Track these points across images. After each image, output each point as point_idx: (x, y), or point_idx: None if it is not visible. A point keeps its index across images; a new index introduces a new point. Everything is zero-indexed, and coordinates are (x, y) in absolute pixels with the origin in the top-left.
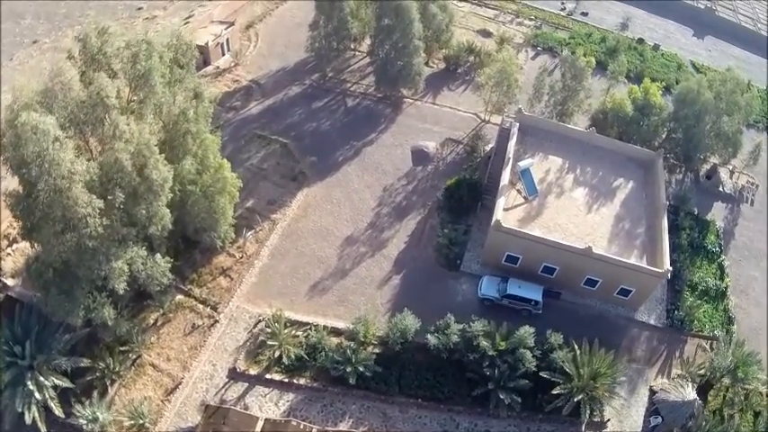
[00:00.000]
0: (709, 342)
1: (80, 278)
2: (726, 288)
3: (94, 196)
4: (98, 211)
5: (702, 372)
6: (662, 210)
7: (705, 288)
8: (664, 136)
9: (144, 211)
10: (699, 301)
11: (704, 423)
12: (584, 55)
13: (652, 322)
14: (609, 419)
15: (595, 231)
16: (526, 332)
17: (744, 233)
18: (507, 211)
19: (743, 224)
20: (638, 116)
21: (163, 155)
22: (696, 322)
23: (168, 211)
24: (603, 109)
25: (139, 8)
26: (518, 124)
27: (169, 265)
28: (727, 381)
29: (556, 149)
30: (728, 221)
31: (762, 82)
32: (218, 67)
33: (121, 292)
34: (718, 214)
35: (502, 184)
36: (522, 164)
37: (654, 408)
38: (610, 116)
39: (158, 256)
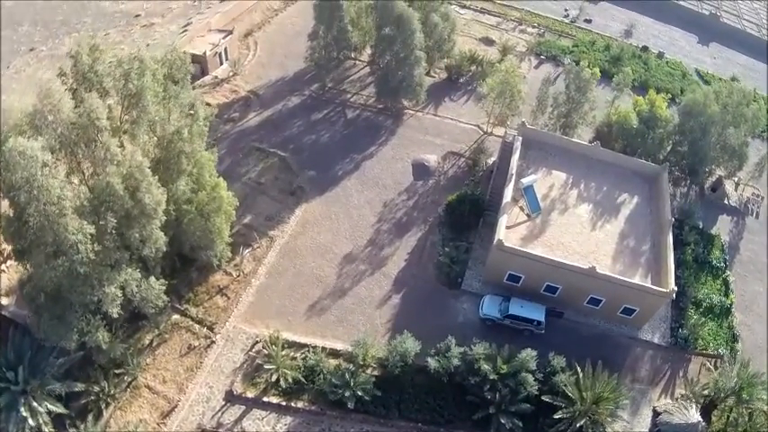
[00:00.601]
0: (714, 360)
1: (73, 303)
2: (731, 305)
3: (85, 222)
4: (89, 236)
5: (706, 392)
6: (667, 226)
7: (710, 305)
8: (669, 148)
9: (137, 234)
10: (703, 319)
11: None
12: (589, 65)
13: (656, 341)
14: None
15: (599, 249)
16: (528, 355)
17: (749, 247)
18: (510, 229)
19: (748, 238)
20: (643, 129)
21: (157, 175)
22: (700, 340)
23: (162, 234)
24: (608, 121)
25: (137, 15)
26: (521, 138)
27: (164, 288)
28: (731, 401)
29: (559, 164)
30: (733, 235)
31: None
32: (216, 77)
33: (115, 315)
34: (723, 228)
35: (504, 201)
36: (525, 180)
37: (657, 430)
38: (615, 129)
39: (153, 279)
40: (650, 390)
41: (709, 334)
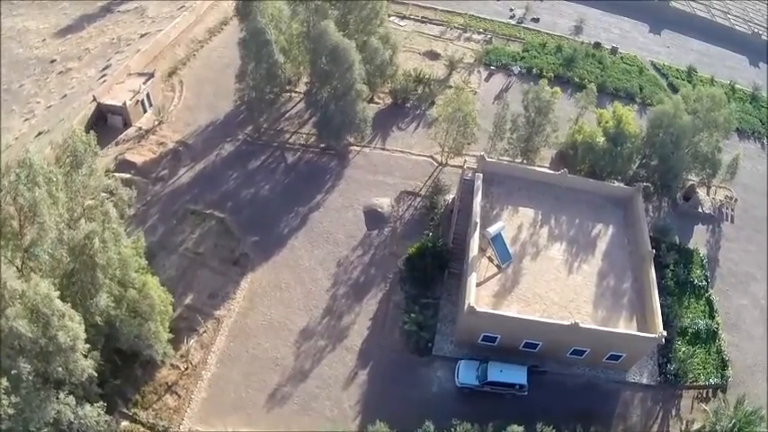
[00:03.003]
0: (706, 391)
1: None
2: (717, 327)
3: None
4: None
5: None
6: (648, 259)
7: (696, 331)
8: (637, 162)
9: (60, 368)
10: (691, 349)
11: None
12: (542, 73)
13: (644, 381)
14: None
15: (579, 296)
16: None
17: (728, 257)
18: (480, 286)
19: (726, 246)
20: (610, 147)
21: (74, 288)
22: (690, 374)
23: (89, 362)
24: (573, 141)
25: (53, 60)
26: (481, 175)
27: (103, 413)
28: None
29: (526, 199)
30: (711, 246)
31: (723, 75)
32: (140, 129)
33: None
34: (699, 239)
35: (471, 255)
36: (492, 230)
37: None
38: (580, 150)
39: (88, 407)
40: None
41: (698, 365)
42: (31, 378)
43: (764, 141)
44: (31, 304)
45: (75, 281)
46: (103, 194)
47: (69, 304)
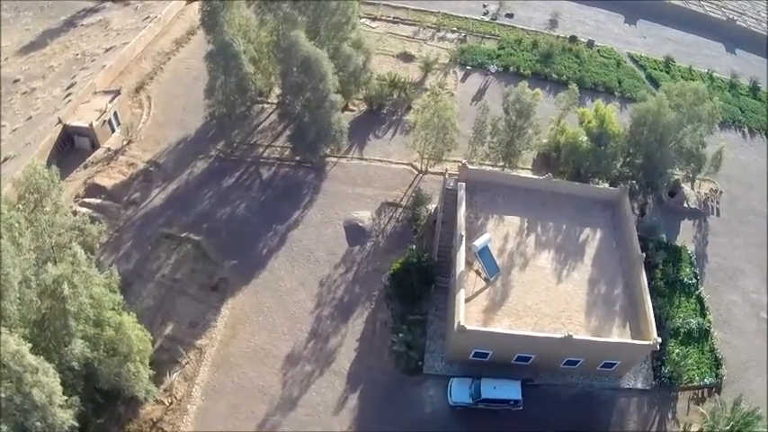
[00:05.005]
0: (701, 391)
1: None
2: (709, 325)
3: None
4: None
5: None
6: (638, 264)
7: (688, 330)
8: (621, 161)
9: (39, 423)
10: (685, 350)
11: None
12: (519, 70)
13: (639, 386)
14: None
15: (570, 305)
16: None
17: (716, 252)
18: (469, 302)
19: (713, 241)
20: (594, 148)
21: (48, 333)
22: (685, 375)
23: (69, 414)
24: (555, 142)
25: (16, 80)
26: (464, 184)
27: None
28: None
29: (511, 206)
30: (699, 242)
31: (701, 64)
32: (108, 149)
33: None
34: (687, 235)
35: (458, 270)
36: (478, 243)
37: None
38: (564, 151)
39: None
40: None
41: (692, 365)
42: None
43: (745, 130)
44: (3, 362)
45: (47, 327)
46: (71, 233)
47: (42, 355)
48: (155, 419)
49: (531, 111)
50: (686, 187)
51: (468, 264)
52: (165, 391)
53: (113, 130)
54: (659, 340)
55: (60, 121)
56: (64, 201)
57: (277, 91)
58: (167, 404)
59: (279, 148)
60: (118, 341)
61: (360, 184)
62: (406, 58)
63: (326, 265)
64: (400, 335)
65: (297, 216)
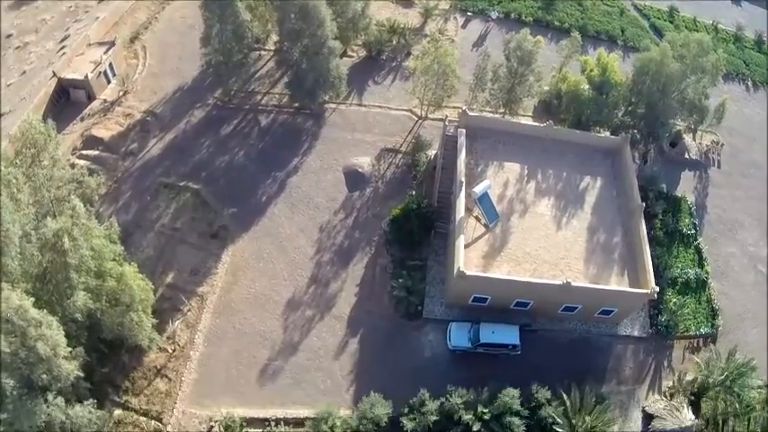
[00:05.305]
0: (696, 341)
1: None
2: (706, 276)
3: None
4: None
5: (695, 387)
6: (638, 213)
7: (686, 280)
8: (623, 111)
9: (45, 376)
10: (682, 299)
11: None
12: (521, 16)
13: (636, 334)
14: None
15: (569, 252)
16: (511, 396)
17: (716, 203)
18: (468, 248)
19: (713, 192)
20: (596, 96)
21: (50, 286)
22: (681, 324)
23: (74, 365)
24: (557, 91)
25: (9, 35)
26: (464, 131)
27: (95, 410)
28: (720, 389)
29: (511, 153)
30: (699, 193)
31: (705, 15)
32: (105, 101)
33: None
34: (687, 186)
35: (458, 216)
36: (478, 189)
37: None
38: (565, 99)
39: (78, 407)
40: (637, 389)
41: (688, 315)
42: (15, 392)
43: (749, 83)
44: (5, 318)
45: (49, 280)
46: (70, 186)
47: (45, 308)
48: (158, 367)
49: (532, 58)
50: (688, 138)
51: (468, 210)
52: (168, 338)
53: (109, 82)
54: (657, 289)
55: (55, 75)
56: (61, 154)
57: (274, 38)
58: (170, 351)
59: (277, 96)
60: (120, 291)
61: (359, 131)
62: (406, 3)
63: (326, 211)
64: (400, 280)
65: (296, 163)
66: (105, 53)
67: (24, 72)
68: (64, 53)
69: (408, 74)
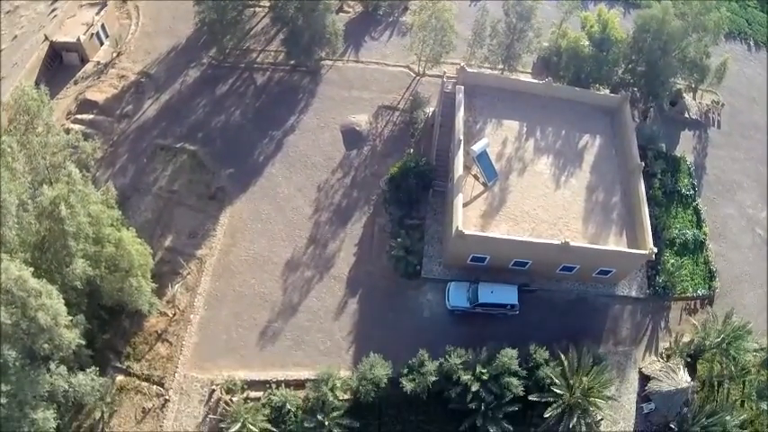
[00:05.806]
0: (694, 302)
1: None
2: (704, 237)
3: None
4: None
5: (691, 349)
6: (637, 173)
7: (684, 241)
8: (623, 68)
9: (47, 345)
10: (679, 260)
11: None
12: None
13: (633, 294)
14: (602, 418)
15: (568, 212)
16: (509, 357)
17: (715, 164)
18: (467, 206)
19: (713, 153)
20: (596, 53)
21: (48, 255)
22: (679, 285)
23: (75, 333)
24: (556, 47)
25: None
26: (462, 88)
27: (97, 377)
28: (716, 351)
29: (510, 110)
30: (698, 153)
31: None
32: (98, 63)
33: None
34: (686, 146)
35: (456, 174)
36: (477, 148)
37: (645, 393)
38: (565, 56)
39: (80, 375)
40: (634, 350)
41: (686, 276)
42: (18, 363)
43: (751, 43)
44: (5, 289)
45: (47, 249)
46: (65, 152)
47: (45, 278)
48: (159, 331)
49: (531, 13)
50: (688, 97)
51: (467, 168)
52: (168, 302)
53: (102, 43)
54: (655, 250)
55: (47, 38)
56: (56, 119)
57: None
58: (171, 315)
59: (273, 53)
60: (118, 257)
61: (356, 88)
62: None
63: (323, 170)
64: (398, 239)
65: (293, 121)
66: (97, 14)
67: (15, 37)
68: (55, 15)
69: (406, 29)
